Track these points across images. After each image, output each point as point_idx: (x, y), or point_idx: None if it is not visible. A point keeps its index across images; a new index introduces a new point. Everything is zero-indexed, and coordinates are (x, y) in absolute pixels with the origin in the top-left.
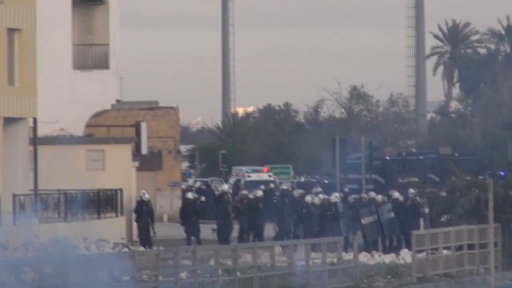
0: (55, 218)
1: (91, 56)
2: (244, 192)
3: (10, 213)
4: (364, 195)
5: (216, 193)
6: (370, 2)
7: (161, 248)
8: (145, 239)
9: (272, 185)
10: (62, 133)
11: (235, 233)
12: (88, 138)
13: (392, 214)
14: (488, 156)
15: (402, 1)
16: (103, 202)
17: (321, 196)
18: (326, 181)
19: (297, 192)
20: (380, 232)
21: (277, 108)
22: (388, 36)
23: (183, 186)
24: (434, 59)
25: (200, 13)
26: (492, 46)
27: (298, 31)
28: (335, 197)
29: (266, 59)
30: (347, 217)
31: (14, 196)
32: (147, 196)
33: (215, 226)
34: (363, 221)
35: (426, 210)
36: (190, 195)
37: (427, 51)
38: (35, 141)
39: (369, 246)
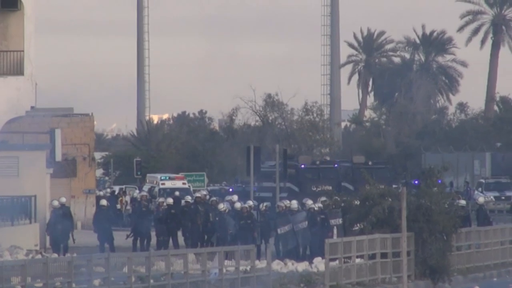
0: None
1: (5, 63)
2: (161, 200)
3: None
4: (280, 203)
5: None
6: (285, 11)
7: (75, 255)
8: (64, 246)
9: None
10: None
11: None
12: (2, 145)
13: (306, 224)
14: (402, 165)
15: (317, 10)
16: (16, 208)
17: (238, 204)
18: (230, 189)
19: (213, 200)
20: (295, 241)
21: (191, 115)
22: (304, 44)
23: (101, 193)
24: (349, 67)
25: (116, 20)
26: (407, 55)
27: (213, 39)
28: (249, 205)
29: (181, 67)
30: (260, 225)
31: None
32: (63, 200)
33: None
34: (279, 231)
35: (339, 220)
36: (104, 202)
37: (342, 59)
38: None
39: (284, 255)
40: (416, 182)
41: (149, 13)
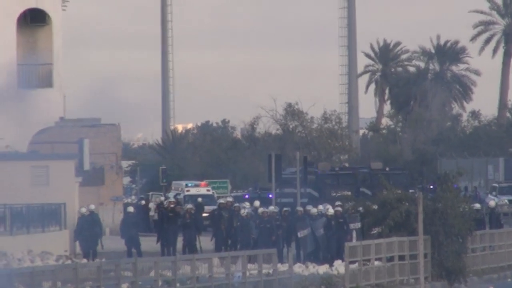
0: (0, 231)
1: (35, 75)
2: (190, 206)
3: None
4: (299, 208)
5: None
6: (304, 22)
7: (103, 260)
8: (93, 251)
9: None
10: (7, 150)
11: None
12: (33, 154)
13: (322, 231)
14: (418, 171)
15: (335, 21)
16: (47, 216)
17: (261, 209)
18: (246, 196)
19: (236, 206)
20: (313, 245)
21: (215, 124)
22: (322, 55)
23: (128, 200)
24: (366, 77)
25: (141, 34)
26: (422, 65)
27: (236, 50)
28: (271, 210)
29: (205, 77)
30: (282, 229)
31: None
32: (92, 207)
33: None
34: (299, 235)
35: (358, 224)
36: (131, 208)
37: (360, 69)
38: None
39: (304, 258)
40: (432, 186)
41: (172, 27)
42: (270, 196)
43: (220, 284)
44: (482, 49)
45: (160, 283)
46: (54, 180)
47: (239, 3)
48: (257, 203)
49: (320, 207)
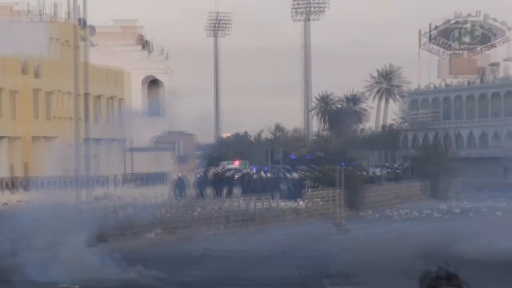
0: (140, 184)
1: (154, 110)
2: (229, 174)
3: (120, 183)
4: (281, 174)
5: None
6: (281, 79)
7: (186, 199)
8: (182, 196)
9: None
10: (142, 146)
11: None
12: (155, 148)
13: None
14: (339, 156)
15: (299, 79)
16: (160, 178)
17: (263, 175)
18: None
19: (253, 174)
20: (288, 192)
21: (241, 134)
22: (291, 98)
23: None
24: (315, 110)
25: (206, 84)
26: (343, 105)
27: (250, 95)
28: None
29: (236, 109)
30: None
31: (123, 174)
32: (180, 174)
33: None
34: (281, 187)
35: (308, 182)
36: (200, 174)
37: (312, 106)
38: (132, 150)
39: (280, 197)
40: (343, 164)
41: (222, 79)
42: (266, 169)
43: (244, 211)
44: (370, 96)
45: (214, 210)
46: (164, 161)
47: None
48: (261, 173)
49: (295, 174)
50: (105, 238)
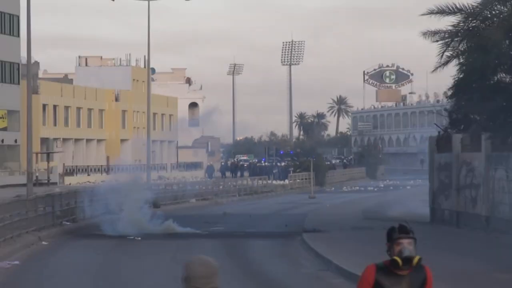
0: (183, 170)
1: (194, 122)
2: (242, 163)
3: (168, 168)
4: (274, 164)
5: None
6: (272, 99)
7: (214, 179)
8: (211, 177)
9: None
10: (184, 145)
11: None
12: (193, 146)
13: (281, 171)
14: (311, 152)
15: (285, 103)
16: (196, 166)
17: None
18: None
19: (257, 163)
20: (279, 174)
21: (249, 137)
22: (279, 115)
23: (222, 161)
24: (296, 123)
25: (226, 102)
26: (314, 119)
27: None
28: (266, 164)
29: (247, 123)
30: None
31: (171, 164)
32: (211, 163)
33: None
34: (274, 171)
35: (292, 168)
36: (223, 163)
37: (293, 120)
38: (177, 147)
39: (274, 178)
40: (313, 157)
41: (236, 98)
42: (264, 160)
43: (250, 186)
44: (330, 114)
45: (231, 186)
46: (199, 155)
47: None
48: (262, 162)
49: (283, 163)
50: (158, 205)
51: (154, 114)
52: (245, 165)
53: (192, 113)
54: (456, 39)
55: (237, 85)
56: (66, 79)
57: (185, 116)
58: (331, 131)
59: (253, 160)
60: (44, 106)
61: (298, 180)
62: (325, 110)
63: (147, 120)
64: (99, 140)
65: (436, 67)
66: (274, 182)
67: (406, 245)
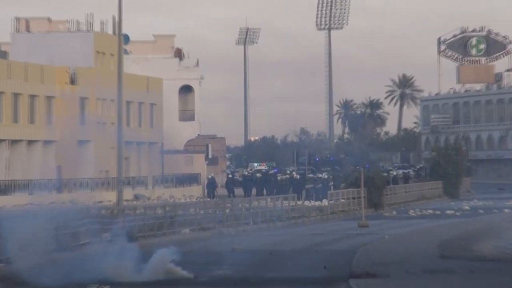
0: (171, 185)
1: (186, 116)
2: (259, 175)
3: (150, 184)
4: (308, 175)
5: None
6: (307, 87)
7: (217, 199)
8: (213, 195)
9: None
10: (173, 149)
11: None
12: (186, 151)
13: (320, 185)
14: (361, 158)
15: (323, 86)
16: (192, 178)
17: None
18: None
19: (279, 175)
20: (314, 193)
21: (268, 137)
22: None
23: (228, 171)
24: (337, 115)
25: (235, 93)
26: (363, 110)
27: (276, 103)
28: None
29: (264, 114)
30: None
31: (153, 176)
32: (212, 175)
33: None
34: (306, 186)
35: (332, 182)
36: (230, 175)
37: (334, 112)
38: (162, 152)
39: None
40: (368, 166)
41: (250, 88)
42: (276, 170)
43: (271, 210)
44: (389, 102)
45: (243, 209)
46: (195, 163)
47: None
48: (288, 173)
49: (320, 175)
50: (134, 237)
51: (129, 103)
52: (263, 178)
53: (185, 102)
54: None
55: (250, 60)
56: None
57: (174, 105)
58: (390, 127)
59: (273, 171)
60: None
61: (342, 200)
62: (382, 96)
63: (117, 112)
64: (46, 142)
65: None
66: (306, 203)
67: None
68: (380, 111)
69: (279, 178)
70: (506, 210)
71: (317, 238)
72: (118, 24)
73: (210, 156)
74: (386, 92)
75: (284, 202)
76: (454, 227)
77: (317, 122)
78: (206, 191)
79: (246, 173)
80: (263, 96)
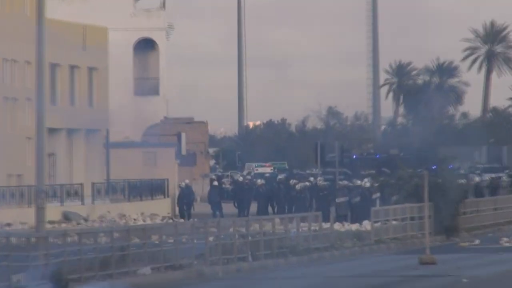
0: (121, 199)
1: (145, 87)
2: (262, 181)
3: (89, 196)
4: (340, 182)
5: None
6: (341, 46)
7: (196, 219)
8: (188, 213)
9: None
10: (126, 140)
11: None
12: (144, 143)
13: (359, 199)
14: (424, 155)
15: (363, 46)
16: (155, 188)
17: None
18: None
19: (292, 181)
20: (349, 209)
21: (276, 122)
22: (354, 71)
23: (213, 176)
24: (386, 87)
25: (223, 54)
26: (426, 78)
27: (292, 67)
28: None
29: (269, 86)
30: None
31: (93, 184)
32: (187, 181)
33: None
34: (337, 200)
35: (378, 194)
36: (215, 182)
37: (381, 82)
38: (108, 145)
39: (337, 219)
40: (434, 167)
41: (246, 49)
42: (288, 174)
43: (281, 237)
44: (470, 67)
45: (236, 236)
46: (160, 162)
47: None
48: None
49: (358, 181)
50: (63, 282)
51: (54, 66)
52: (268, 187)
53: (144, 65)
54: None
55: (248, 2)
56: None
57: (127, 71)
58: (471, 105)
59: (284, 176)
60: None
61: (393, 222)
62: (458, 56)
63: (36, 83)
64: None
65: None
66: (337, 226)
67: None
68: (455, 80)
69: (293, 185)
70: None
71: (355, 284)
72: None
73: (183, 151)
74: (464, 51)
75: (302, 224)
76: None
77: (354, 98)
78: (177, 206)
79: (241, 178)
80: (267, 57)
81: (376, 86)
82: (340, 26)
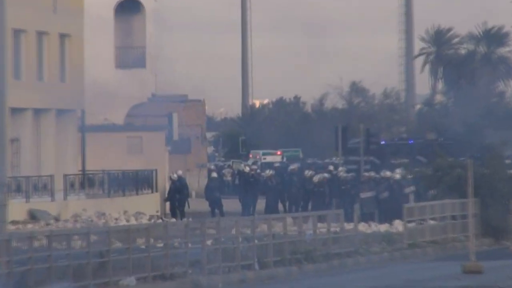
0: (100, 194)
1: (130, 57)
2: (272, 172)
3: (61, 191)
4: (365, 173)
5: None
6: (366, 9)
7: (190, 219)
8: (181, 212)
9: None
10: (106, 122)
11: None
12: (128, 126)
13: (388, 194)
14: (467, 141)
15: (395, 9)
16: (140, 180)
17: (308, 172)
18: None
19: (308, 172)
20: (376, 206)
21: (288, 100)
22: (383, 38)
23: (211, 166)
24: (421, 58)
25: (224, 19)
26: (471, 47)
27: (306, 35)
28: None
29: (279, 58)
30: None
31: (65, 176)
32: (180, 173)
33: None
34: (362, 195)
35: (412, 187)
36: (214, 174)
37: (416, 51)
38: (83, 129)
39: (363, 217)
40: (480, 155)
41: (251, 12)
42: (302, 164)
43: (294, 240)
44: None
45: (240, 239)
46: (147, 149)
47: None
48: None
49: (388, 173)
50: None
51: (18, 33)
52: (279, 179)
53: (127, 31)
54: None
55: None
56: None
57: (107, 39)
58: None
59: (297, 166)
60: None
61: (431, 222)
62: (507, 20)
63: None
64: None
65: None
66: (362, 226)
67: None
68: (506, 49)
69: (309, 177)
70: None
71: None
72: None
73: (175, 136)
74: None
75: (320, 225)
76: None
77: (382, 72)
78: (168, 203)
79: (247, 169)
80: (276, 22)
81: (409, 57)
82: None
